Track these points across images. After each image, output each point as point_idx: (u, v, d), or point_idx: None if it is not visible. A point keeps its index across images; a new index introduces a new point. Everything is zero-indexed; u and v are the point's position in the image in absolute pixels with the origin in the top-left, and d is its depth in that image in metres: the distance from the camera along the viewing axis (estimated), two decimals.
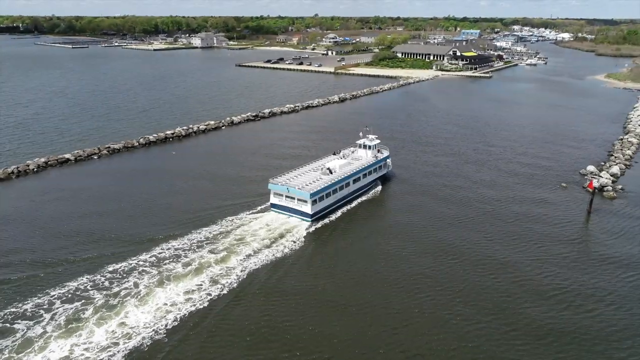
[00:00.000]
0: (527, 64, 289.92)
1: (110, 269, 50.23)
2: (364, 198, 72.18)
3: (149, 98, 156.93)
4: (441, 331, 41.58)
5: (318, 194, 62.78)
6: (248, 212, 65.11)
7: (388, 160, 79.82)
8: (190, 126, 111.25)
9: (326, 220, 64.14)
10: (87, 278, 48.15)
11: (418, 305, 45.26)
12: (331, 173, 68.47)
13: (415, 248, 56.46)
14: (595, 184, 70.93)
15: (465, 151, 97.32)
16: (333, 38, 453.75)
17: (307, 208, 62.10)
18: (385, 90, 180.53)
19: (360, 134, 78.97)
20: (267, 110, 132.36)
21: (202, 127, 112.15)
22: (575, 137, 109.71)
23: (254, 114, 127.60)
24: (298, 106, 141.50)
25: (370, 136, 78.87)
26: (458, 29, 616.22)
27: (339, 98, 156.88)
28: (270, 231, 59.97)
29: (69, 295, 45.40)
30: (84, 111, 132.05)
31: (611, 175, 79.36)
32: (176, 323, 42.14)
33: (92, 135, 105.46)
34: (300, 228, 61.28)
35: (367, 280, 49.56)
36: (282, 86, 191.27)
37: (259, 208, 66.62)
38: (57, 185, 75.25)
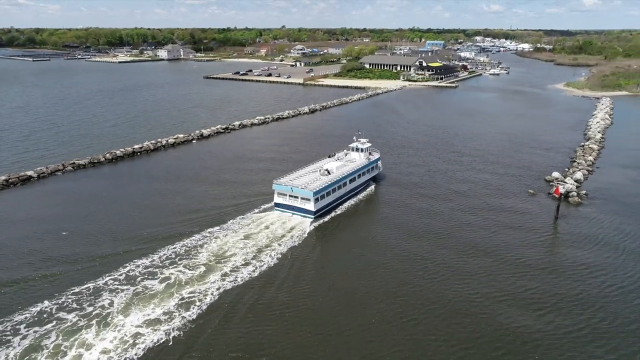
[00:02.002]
0: (490, 74, 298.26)
1: (112, 275, 51.20)
2: (360, 197, 76.49)
3: (114, 112, 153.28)
4: (440, 297, 48.83)
5: (320, 192, 66.28)
6: (254, 212, 68.92)
7: (379, 162, 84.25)
8: (159, 140, 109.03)
9: (326, 218, 68.19)
10: (47, 301, 46.32)
11: (424, 282, 51.86)
12: (329, 174, 71.88)
13: (411, 243, 60.80)
14: (561, 190, 72.94)
15: (437, 160, 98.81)
16: (301, 49, 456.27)
17: (310, 206, 65.53)
18: (355, 100, 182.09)
19: (354, 137, 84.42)
20: (237, 123, 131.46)
21: (171, 140, 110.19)
22: (539, 144, 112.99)
23: (224, 127, 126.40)
24: (268, 118, 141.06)
25: (362, 139, 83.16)
26: (423, 39, 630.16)
27: (309, 109, 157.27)
28: (277, 228, 62.95)
29: (36, 319, 43.53)
30: (47, 127, 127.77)
31: (575, 181, 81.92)
32: (202, 310, 44.03)
33: (56, 151, 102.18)
34: (304, 225, 64.67)
35: (369, 269, 54.04)
36: (252, 98, 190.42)
37: (262, 207, 70.19)
38: (22, 202, 72.29)
